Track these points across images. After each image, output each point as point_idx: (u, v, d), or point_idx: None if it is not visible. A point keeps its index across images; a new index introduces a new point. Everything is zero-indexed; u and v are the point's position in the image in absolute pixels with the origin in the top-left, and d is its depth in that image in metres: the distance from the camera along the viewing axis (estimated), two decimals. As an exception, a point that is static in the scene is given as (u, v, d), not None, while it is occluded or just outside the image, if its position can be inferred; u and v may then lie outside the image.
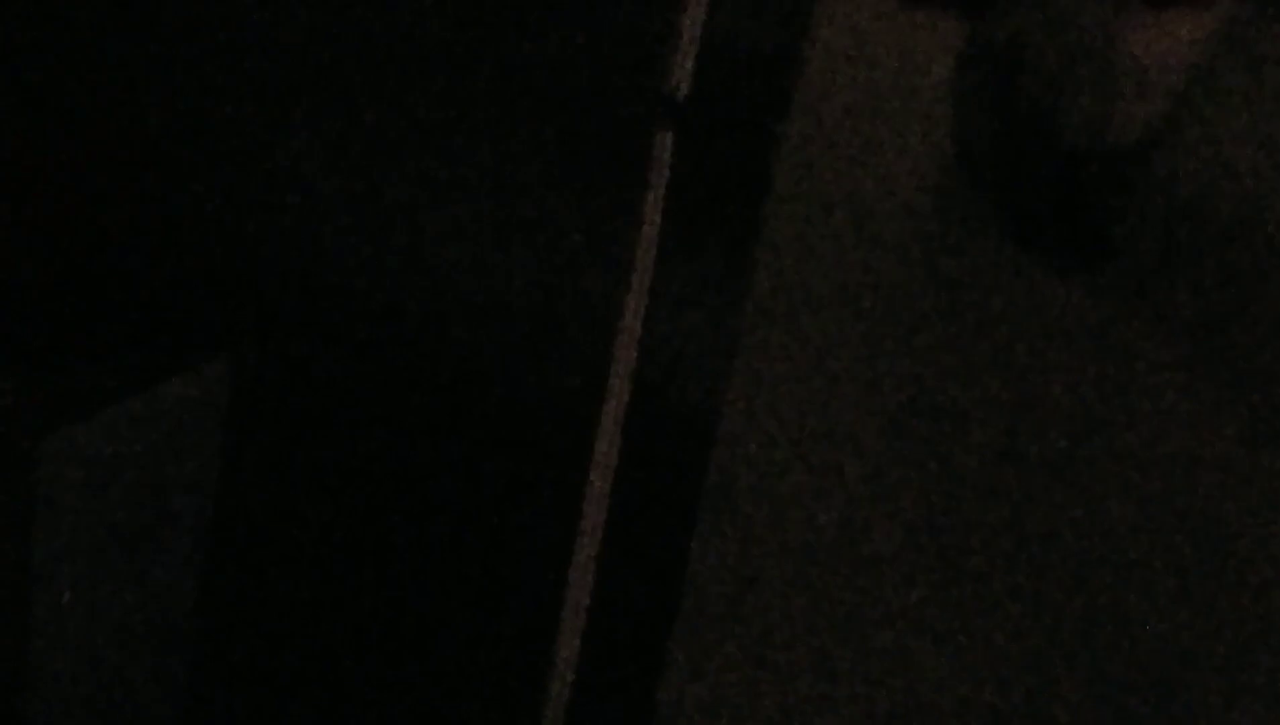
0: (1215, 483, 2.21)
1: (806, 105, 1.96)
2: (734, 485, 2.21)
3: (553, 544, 2.20)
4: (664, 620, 2.33)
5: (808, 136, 1.98)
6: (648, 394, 2.12)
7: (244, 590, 2.16)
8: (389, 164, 2.02)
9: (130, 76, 2.00)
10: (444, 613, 2.21)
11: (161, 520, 2.09)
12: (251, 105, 2.01)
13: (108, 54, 2.00)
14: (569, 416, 2.13)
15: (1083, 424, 2.19)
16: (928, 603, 2.26)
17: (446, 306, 2.06)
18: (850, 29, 1.94)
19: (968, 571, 2.23)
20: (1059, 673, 2.29)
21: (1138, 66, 2.03)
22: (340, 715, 2.22)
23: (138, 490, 2.04)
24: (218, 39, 1.99)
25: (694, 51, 1.96)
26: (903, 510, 2.27)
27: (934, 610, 2.27)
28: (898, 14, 1.96)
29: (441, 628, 2.21)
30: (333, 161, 2.03)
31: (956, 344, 2.12)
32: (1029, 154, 2.08)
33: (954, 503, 2.21)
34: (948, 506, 2.22)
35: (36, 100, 1.99)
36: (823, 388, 2.18)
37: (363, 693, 2.22)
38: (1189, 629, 2.24)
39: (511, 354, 2.09)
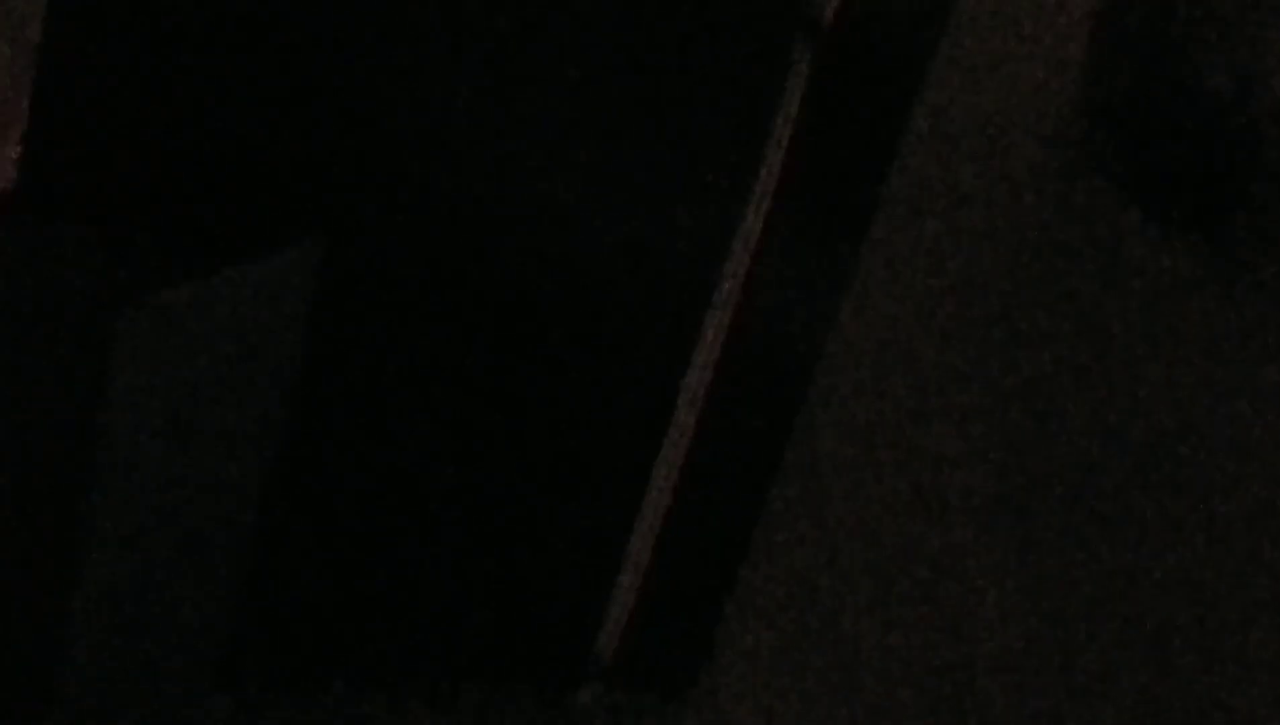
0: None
1: (952, 37, 1.90)
2: (817, 445, 2.14)
3: (623, 483, 2.13)
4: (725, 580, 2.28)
5: (951, 70, 1.92)
6: (746, 329, 2.05)
7: (310, 494, 2.08)
8: (513, 72, 1.95)
9: None
10: (512, 533, 2.13)
11: (233, 409, 2.00)
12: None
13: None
14: (661, 340, 2.06)
15: (1183, 413, 2.12)
16: (1009, 592, 2.19)
17: (549, 214, 1.99)
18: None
19: (1051, 563, 2.17)
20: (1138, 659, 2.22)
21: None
22: (399, 631, 2.14)
23: (212, 376, 1.96)
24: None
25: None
26: (988, 488, 2.21)
27: (1014, 599, 2.20)
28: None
29: (506, 548, 2.14)
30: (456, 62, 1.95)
31: (1066, 313, 2.05)
32: (1166, 107, 2.01)
33: (1043, 484, 2.14)
34: (1034, 487, 2.15)
35: None
36: (927, 350, 2.11)
37: (426, 607, 2.14)
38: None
39: (612, 272, 2.02)
